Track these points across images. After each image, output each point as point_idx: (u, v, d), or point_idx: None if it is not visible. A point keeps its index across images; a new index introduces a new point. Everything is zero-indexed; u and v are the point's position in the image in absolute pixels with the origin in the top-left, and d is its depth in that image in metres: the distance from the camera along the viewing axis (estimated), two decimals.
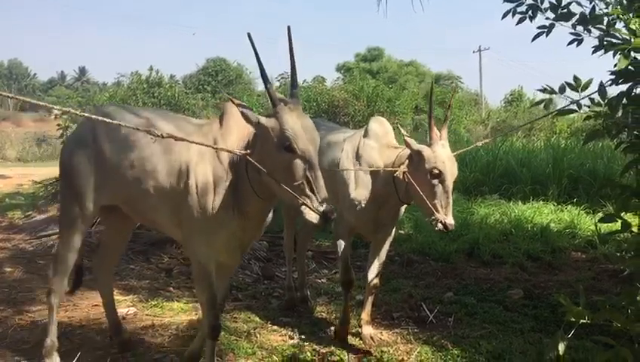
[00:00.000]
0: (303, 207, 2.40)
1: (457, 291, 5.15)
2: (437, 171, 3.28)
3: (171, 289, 5.18)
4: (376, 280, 4.02)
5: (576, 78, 2.18)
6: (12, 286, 5.13)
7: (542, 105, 2.55)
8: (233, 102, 2.60)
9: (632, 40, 1.92)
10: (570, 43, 2.39)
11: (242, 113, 2.54)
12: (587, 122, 2.41)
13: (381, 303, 4.86)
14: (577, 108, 2.21)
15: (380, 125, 3.91)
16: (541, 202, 9.21)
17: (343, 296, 4.07)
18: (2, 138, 25.84)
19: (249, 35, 2.46)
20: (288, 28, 2.51)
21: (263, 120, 2.51)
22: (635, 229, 2.19)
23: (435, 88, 23.74)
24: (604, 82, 2.08)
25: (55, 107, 4.42)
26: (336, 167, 3.88)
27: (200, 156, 2.87)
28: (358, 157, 3.78)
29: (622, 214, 2.14)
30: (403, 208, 3.93)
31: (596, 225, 6.82)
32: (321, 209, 2.37)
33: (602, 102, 2.04)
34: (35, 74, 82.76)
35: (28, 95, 66.62)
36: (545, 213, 8.43)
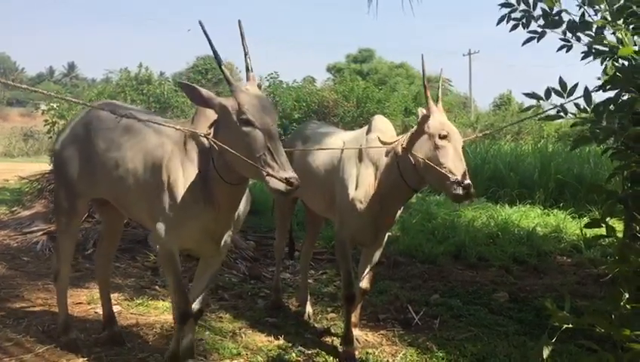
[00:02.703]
0: (268, 177, 2.48)
1: (443, 293, 5.16)
2: (445, 132, 3.28)
3: (157, 287, 5.16)
4: (367, 285, 3.99)
5: (561, 82, 2.19)
6: None
7: (530, 112, 2.56)
8: (194, 87, 2.70)
9: (620, 47, 1.94)
10: (559, 49, 2.40)
11: (200, 94, 2.66)
12: (575, 128, 2.42)
13: (367, 304, 4.85)
14: (563, 115, 2.23)
15: (382, 121, 3.92)
16: (528, 206, 9.30)
17: (345, 313, 3.92)
18: None
19: (200, 23, 2.62)
20: (239, 22, 2.74)
21: (223, 100, 2.65)
22: (619, 235, 2.20)
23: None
24: (590, 88, 2.10)
25: (67, 97, 4.66)
26: (335, 169, 3.84)
27: (172, 153, 2.99)
28: (361, 155, 3.75)
29: (607, 219, 2.15)
30: (399, 211, 3.91)
31: (582, 230, 6.86)
32: (284, 175, 2.46)
33: (588, 108, 2.05)
34: (23, 68, 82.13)
35: (14, 90, 65.99)
36: (531, 217, 8.50)
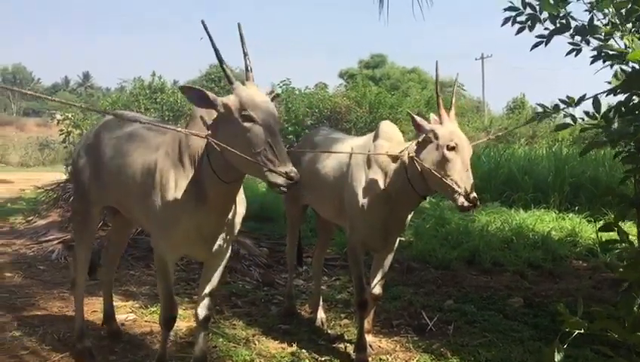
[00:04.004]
0: (268, 172, 2.52)
1: (457, 299, 5.13)
2: (453, 144, 3.25)
3: None
4: (379, 291, 3.98)
5: (568, 97, 2.19)
6: (12, 291, 5.14)
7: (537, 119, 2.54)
8: (197, 88, 2.73)
9: (630, 51, 1.92)
10: (568, 53, 2.39)
11: (206, 95, 2.69)
12: (585, 132, 2.39)
13: (381, 311, 4.83)
14: (572, 122, 2.21)
15: (389, 126, 3.92)
16: (542, 210, 9.21)
17: (358, 319, 3.93)
18: (5, 143, 25.88)
19: (203, 23, 2.65)
20: (239, 25, 2.79)
21: (225, 99, 2.68)
22: (633, 238, 2.18)
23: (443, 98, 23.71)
24: (598, 91, 2.09)
25: (82, 105, 4.79)
26: (344, 175, 3.85)
27: (165, 155, 3.05)
28: (369, 161, 3.76)
29: (620, 223, 2.13)
30: (409, 216, 3.90)
31: (597, 234, 6.81)
32: (284, 170, 2.50)
33: (597, 115, 2.04)
34: (39, 79, 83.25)
35: (31, 100, 66.86)
36: (546, 221, 8.43)
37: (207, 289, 3.34)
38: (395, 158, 3.61)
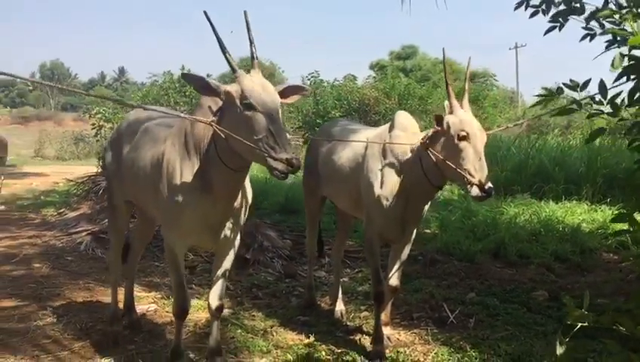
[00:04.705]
0: (269, 158, 2.56)
1: (480, 292, 5.05)
2: (464, 133, 3.19)
3: (193, 286, 5.22)
4: (396, 282, 3.96)
5: (572, 81, 2.11)
6: (39, 281, 5.26)
7: (539, 108, 2.46)
8: (200, 77, 2.78)
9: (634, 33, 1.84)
10: (582, 38, 2.29)
11: (208, 84, 2.75)
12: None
13: (402, 303, 4.80)
14: (577, 108, 2.13)
15: (405, 117, 3.87)
16: (574, 202, 9.00)
17: (375, 311, 3.91)
18: (42, 137, 26.48)
19: (205, 13, 2.70)
20: (245, 12, 2.81)
21: (228, 87, 2.73)
22: None
23: (470, 86, 23.34)
24: (614, 83, 2.00)
25: (111, 98, 5.16)
26: (360, 167, 3.82)
27: (172, 146, 3.08)
28: (385, 152, 3.72)
29: (635, 214, 2.06)
30: (427, 206, 3.86)
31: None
32: (284, 156, 2.53)
33: (604, 100, 1.96)
34: (76, 74, 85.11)
35: (69, 95, 68.41)
36: (577, 213, 8.22)
37: (218, 279, 3.36)
38: (410, 148, 3.57)
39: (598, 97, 2.00)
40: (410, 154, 3.60)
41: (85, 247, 6.49)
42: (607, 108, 2.00)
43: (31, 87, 73.19)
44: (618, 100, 2.01)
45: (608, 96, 1.99)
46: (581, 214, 8.17)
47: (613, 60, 1.94)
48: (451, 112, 3.36)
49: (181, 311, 3.32)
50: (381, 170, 3.68)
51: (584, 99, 2.12)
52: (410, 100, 17.27)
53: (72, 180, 10.00)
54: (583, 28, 2.19)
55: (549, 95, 2.28)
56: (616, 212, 8.11)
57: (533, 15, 2.61)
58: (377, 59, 39.49)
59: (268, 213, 8.08)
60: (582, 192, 9.43)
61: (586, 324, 1.65)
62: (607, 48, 2.19)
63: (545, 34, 2.39)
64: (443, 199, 8.88)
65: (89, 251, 6.41)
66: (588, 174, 9.95)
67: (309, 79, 17.28)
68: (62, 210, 8.60)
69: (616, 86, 2.02)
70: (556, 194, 9.49)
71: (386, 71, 31.88)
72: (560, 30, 2.37)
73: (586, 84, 2.12)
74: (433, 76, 33.23)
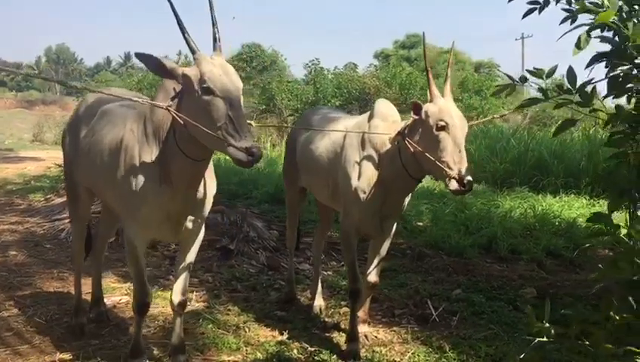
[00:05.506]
0: (229, 147, 2.41)
1: (467, 288, 4.86)
2: (443, 123, 3.02)
3: (171, 277, 5.04)
4: (375, 278, 3.78)
5: (536, 68, 1.92)
6: (12, 270, 5.11)
7: (503, 94, 2.27)
8: (152, 56, 2.57)
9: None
10: (563, 21, 2.06)
11: (162, 64, 2.57)
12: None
13: (384, 299, 4.65)
14: (544, 98, 1.94)
15: (385, 106, 3.68)
16: (572, 196, 8.82)
17: (350, 308, 3.76)
18: (41, 121, 26.38)
19: None
20: None
21: (187, 70, 2.56)
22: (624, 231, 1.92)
23: (474, 77, 23.09)
24: (589, 68, 1.80)
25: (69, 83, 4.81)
26: (338, 157, 3.64)
27: (130, 131, 2.90)
28: (364, 142, 3.54)
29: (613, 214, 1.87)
30: (407, 199, 3.68)
31: (627, 221, 6.41)
32: (245, 145, 2.38)
33: (572, 88, 1.77)
34: (81, 59, 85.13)
35: (74, 79, 68.44)
36: (575, 207, 8.04)
37: (181, 274, 3.22)
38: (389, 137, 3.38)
39: (566, 85, 1.81)
40: (389, 145, 3.41)
41: (66, 235, 6.32)
42: (577, 98, 1.81)
43: (36, 71, 73.23)
44: (588, 88, 1.81)
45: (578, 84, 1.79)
46: (579, 208, 7.98)
47: (577, 41, 1.73)
48: (431, 101, 3.18)
49: (141, 306, 3.15)
50: (359, 161, 3.50)
51: (569, 91, 1.92)
52: (411, 90, 17.04)
53: (61, 165, 9.82)
54: (563, 9, 1.98)
55: (509, 84, 2.09)
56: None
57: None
58: (382, 48, 39.17)
59: (257, 202, 7.90)
60: (581, 186, 9.24)
61: (544, 339, 1.48)
62: (561, 23, 1.96)
63: (523, 17, 2.19)
64: (439, 191, 8.68)
65: (69, 239, 6.24)
66: (588, 168, 9.75)
67: (309, 67, 17.08)
68: (49, 196, 8.44)
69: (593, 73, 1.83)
70: (555, 188, 9.32)
71: (390, 60, 31.56)
72: (540, 12, 2.17)
73: (553, 71, 1.93)
74: (438, 66, 32.93)
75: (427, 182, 8.28)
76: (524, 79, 1.99)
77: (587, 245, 5.32)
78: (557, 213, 7.48)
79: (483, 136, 12.26)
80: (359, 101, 16.28)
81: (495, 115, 6.52)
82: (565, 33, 1.88)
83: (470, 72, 25.37)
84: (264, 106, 17.45)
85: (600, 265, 1.88)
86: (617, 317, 1.47)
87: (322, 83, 16.08)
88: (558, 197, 8.65)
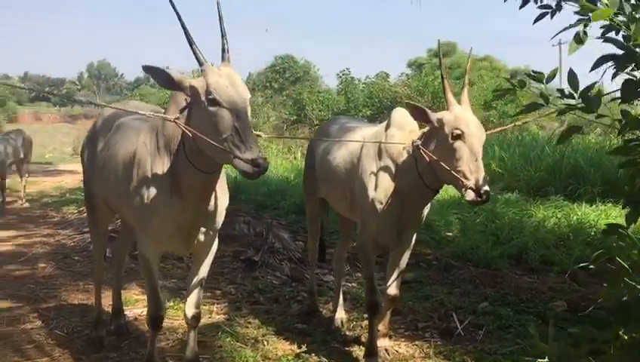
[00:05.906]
0: (235, 159, 2.39)
1: (494, 301, 4.72)
2: (459, 132, 2.93)
3: None
4: (395, 291, 3.69)
5: (535, 72, 1.83)
6: (39, 282, 5.19)
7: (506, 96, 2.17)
8: (161, 69, 2.58)
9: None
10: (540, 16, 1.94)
11: (170, 77, 2.57)
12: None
13: (408, 311, 4.54)
14: (544, 103, 1.85)
15: (402, 114, 3.59)
16: (610, 204, 8.52)
17: (369, 322, 3.67)
18: (81, 135, 26.99)
19: (171, 2, 2.57)
20: (217, 3, 2.66)
21: (194, 81, 2.55)
22: None
23: (507, 84, 22.62)
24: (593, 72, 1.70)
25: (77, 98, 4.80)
26: (355, 167, 3.58)
27: (142, 144, 2.90)
28: (380, 152, 3.47)
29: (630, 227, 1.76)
30: (426, 210, 3.59)
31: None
32: (250, 156, 2.36)
33: (575, 93, 1.67)
34: (122, 74, 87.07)
35: (115, 93, 70.07)
36: (612, 217, 7.74)
37: (195, 287, 3.19)
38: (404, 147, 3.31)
39: (568, 90, 1.71)
40: (406, 155, 3.34)
41: None
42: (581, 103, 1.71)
43: (79, 86, 75.21)
44: (592, 92, 1.71)
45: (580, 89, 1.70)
46: (616, 218, 7.67)
47: (575, 36, 1.63)
48: (447, 108, 3.10)
49: (154, 319, 3.15)
50: (376, 171, 3.43)
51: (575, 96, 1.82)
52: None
53: None
54: (575, 13, 1.88)
55: (507, 89, 2.00)
56: None
57: (523, 4, 2.29)
58: (415, 57, 38.81)
59: (284, 213, 7.88)
60: (619, 194, 8.92)
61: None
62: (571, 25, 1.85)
63: (535, 22, 2.09)
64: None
65: None
66: (626, 175, 9.41)
67: (340, 77, 17.04)
68: (82, 209, 8.56)
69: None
70: (591, 197, 9.01)
71: (423, 68, 31.28)
72: (552, 17, 2.06)
73: (554, 74, 1.83)
74: (473, 73, 32.49)
75: (457, 191, 8.13)
76: (522, 84, 1.90)
77: (600, 260, 5.14)
78: (593, 222, 7.23)
79: (517, 143, 12.00)
80: (391, 110, 16.11)
81: (514, 123, 6.32)
82: (557, 33, 1.77)
83: (504, 79, 24.90)
84: (295, 117, 17.48)
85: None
86: (626, 337, 1.38)
87: (353, 93, 16.02)
88: (594, 206, 8.35)
